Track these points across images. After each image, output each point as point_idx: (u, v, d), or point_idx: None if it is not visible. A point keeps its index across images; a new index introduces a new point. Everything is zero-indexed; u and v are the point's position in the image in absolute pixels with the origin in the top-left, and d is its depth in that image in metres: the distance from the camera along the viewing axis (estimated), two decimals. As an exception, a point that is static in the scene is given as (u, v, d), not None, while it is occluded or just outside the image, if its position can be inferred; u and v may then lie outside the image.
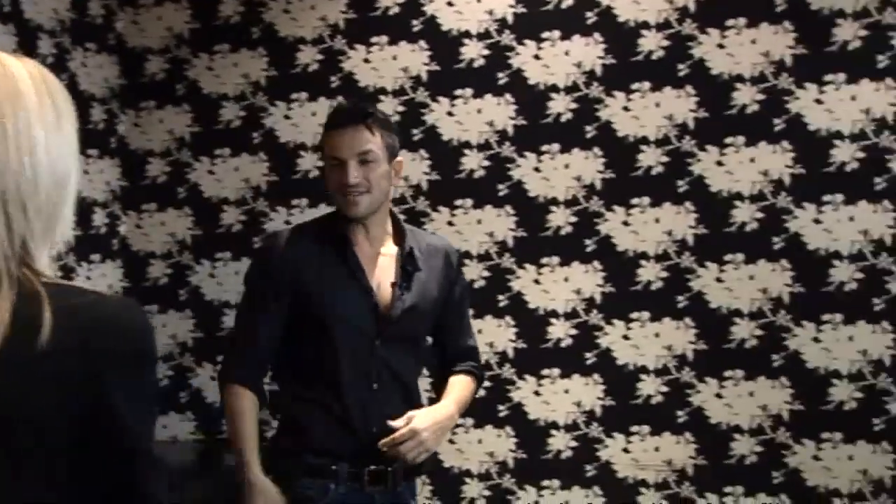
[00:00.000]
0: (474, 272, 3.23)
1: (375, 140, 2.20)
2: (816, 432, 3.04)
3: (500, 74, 3.25)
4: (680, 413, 3.12)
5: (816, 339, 3.03)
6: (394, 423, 2.12)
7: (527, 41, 3.23)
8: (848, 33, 3.00)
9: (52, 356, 0.99)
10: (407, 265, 2.26)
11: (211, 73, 3.47)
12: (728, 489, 3.08)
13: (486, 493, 3.26)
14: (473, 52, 3.27)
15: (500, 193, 3.26)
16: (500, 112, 3.25)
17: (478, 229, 3.25)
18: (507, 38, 3.24)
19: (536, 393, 3.23)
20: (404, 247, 2.27)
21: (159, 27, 3.51)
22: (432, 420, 2.16)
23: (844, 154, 3.02)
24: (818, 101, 3.04)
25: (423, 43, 3.30)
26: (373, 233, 2.25)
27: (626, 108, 3.16)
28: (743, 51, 3.09)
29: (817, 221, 3.04)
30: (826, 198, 3.04)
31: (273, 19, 3.42)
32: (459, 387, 2.33)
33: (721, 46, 3.10)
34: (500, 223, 3.26)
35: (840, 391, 3.01)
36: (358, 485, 2.16)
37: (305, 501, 2.15)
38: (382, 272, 2.25)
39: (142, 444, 1.07)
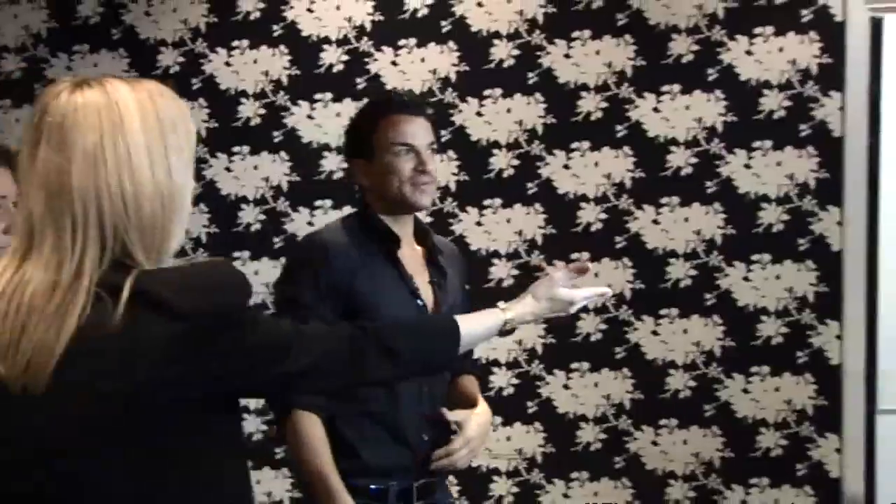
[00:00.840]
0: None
1: (435, 131, 2.18)
2: (655, 419, 3.25)
3: (359, 80, 3.35)
4: (530, 404, 3.28)
5: (655, 333, 3.25)
6: (450, 415, 2.08)
7: (384, 48, 3.34)
8: (682, 47, 3.22)
9: (123, 336, 1.08)
10: (439, 263, 2.20)
11: (70, 73, 3.46)
12: (574, 475, 3.26)
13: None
14: (333, 57, 3.36)
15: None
16: (359, 116, 3.35)
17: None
18: (366, 44, 3.34)
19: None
20: (429, 244, 2.21)
21: (16, 25, 3.47)
22: (478, 425, 2.12)
23: (680, 159, 3.24)
24: (656, 110, 3.25)
25: (283, 47, 3.37)
26: (408, 230, 2.17)
27: (478, 114, 3.31)
28: (588, 61, 3.27)
29: (655, 222, 3.26)
30: (664, 200, 3.25)
31: (134, 21, 3.44)
32: (477, 388, 2.28)
33: (567, 56, 3.28)
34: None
35: (676, 380, 3.23)
36: (405, 503, 2.08)
37: None
38: (418, 271, 2.16)
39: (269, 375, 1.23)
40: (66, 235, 1.11)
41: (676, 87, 3.23)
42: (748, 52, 3.19)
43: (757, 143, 3.19)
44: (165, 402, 1.10)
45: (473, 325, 1.59)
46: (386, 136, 2.09)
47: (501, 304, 1.71)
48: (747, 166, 3.19)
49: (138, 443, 1.10)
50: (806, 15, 3.15)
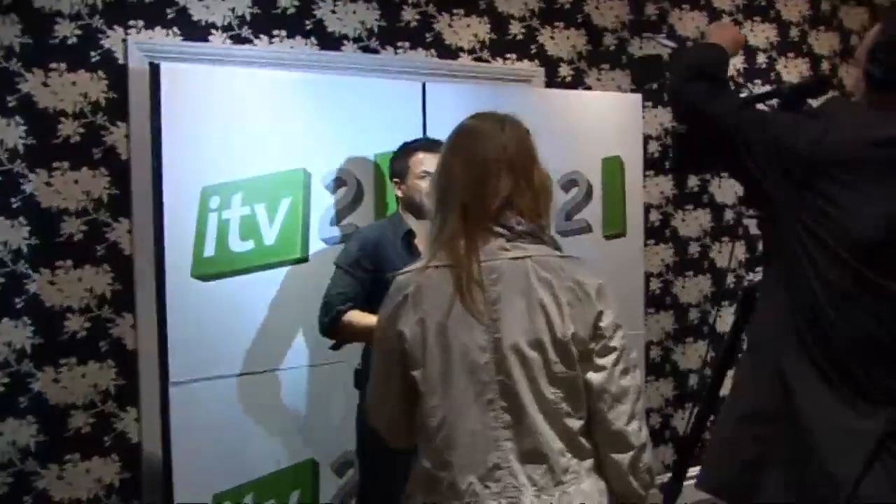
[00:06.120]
0: None
1: None
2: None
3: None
4: None
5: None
6: None
7: None
8: (67, 31, 3.62)
9: None
10: None
11: None
12: None
13: None
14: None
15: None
16: None
17: None
18: None
19: None
20: None
21: None
22: None
23: (69, 129, 3.65)
24: (45, 84, 3.61)
25: None
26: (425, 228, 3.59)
27: None
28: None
29: (49, 184, 3.61)
30: (55, 164, 3.63)
31: None
32: None
33: None
34: None
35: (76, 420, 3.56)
36: None
37: None
38: None
39: None
40: None
41: (63, 66, 3.61)
42: (44, 84, 3.63)
43: (56, 164, 3.65)
44: None
45: None
46: (411, 167, 3.31)
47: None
48: (48, 184, 3.64)
49: None
50: (94, 56, 3.70)
